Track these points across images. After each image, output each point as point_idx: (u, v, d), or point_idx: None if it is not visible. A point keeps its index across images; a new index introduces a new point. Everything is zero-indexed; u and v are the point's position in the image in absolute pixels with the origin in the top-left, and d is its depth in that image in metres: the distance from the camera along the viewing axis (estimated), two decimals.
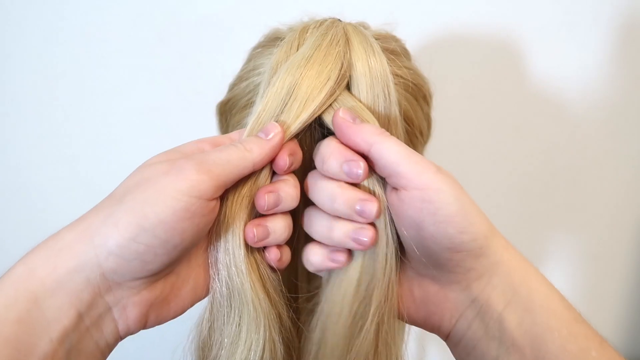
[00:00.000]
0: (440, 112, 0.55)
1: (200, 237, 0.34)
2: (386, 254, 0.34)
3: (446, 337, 0.38)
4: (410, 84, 0.47)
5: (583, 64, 0.73)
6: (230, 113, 0.50)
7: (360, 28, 0.44)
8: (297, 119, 0.36)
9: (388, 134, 0.35)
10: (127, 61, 0.70)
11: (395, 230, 0.36)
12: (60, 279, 0.30)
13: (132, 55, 0.70)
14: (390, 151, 0.33)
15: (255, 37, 0.49)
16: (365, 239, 0.34)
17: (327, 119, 0.37)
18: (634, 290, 0.84)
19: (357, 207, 0.34)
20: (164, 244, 0.31)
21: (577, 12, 0.70)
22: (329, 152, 0.35)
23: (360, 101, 0.38)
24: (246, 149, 0.34)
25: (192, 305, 0.37)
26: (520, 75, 0.72)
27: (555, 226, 0.81)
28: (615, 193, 0.80)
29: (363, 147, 0.34)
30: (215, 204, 0.33)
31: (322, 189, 0.36)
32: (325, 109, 0.37)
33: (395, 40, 0.50)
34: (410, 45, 0.51)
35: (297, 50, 0.40)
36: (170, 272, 0.35)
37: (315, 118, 0.37)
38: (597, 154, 0.78)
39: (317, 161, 0.36)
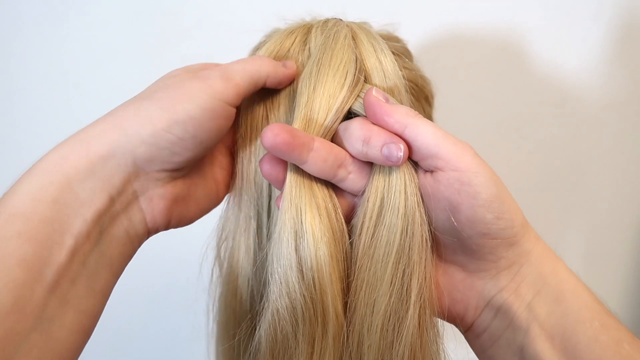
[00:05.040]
0: (441, 113, 0.56)
1: (218, 140, 0.38)
2: (422, 233, 0.34)
3: (468, 327, 0.38)
4: (413, 85, 0.48)
5: (583, 63, 0.76)
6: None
7: (365, 26, 0.44)
8: (327, 116, 0.36)
9: (421, 116, 0.35)
10: (127, 61, 0.70)
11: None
12: (93, 164, 0.32)
13: (132, 55, 0.70)
14: (427, 132, 0.33)
15: (256, 37, 0.49)
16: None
17: (356, 107, 0.37)
18: (634, 291, 0.86)
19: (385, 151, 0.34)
20: (192, 138, 0.35)
21: (577, 12, 0.72)
22: (367, 133, 0.34)
23: None
24: (262, 61, 0.39)
25: (208, 210, 0.42)
26: (520, 75, 0.74)
27: (555, 226, 0.83)
28: (616, 193, 0.82)
29: (396, 128, 0.34)
30: (234, 111, 0.38)
31: None
32: (355, 99, 0.37)
33: (398, 40, 0.51)
34: (411, 46, 0.52)
35: (296, 39, 0.42)
36: (189, 173, 0.39)
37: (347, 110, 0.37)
38: (598, 153, 0.80)
39: (354, 142, 0.35)
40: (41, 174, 0.31)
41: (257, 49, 0.49)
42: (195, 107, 0.34)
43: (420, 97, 0.51)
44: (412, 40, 0.53)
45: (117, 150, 0.33)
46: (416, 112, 0.35)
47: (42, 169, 0.32)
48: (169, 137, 0.34)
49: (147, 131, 0.33)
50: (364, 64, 0.39)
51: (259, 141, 0.41)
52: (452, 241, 0.35)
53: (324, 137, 0.36)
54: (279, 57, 0.42)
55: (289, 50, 0.42)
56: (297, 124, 0.36)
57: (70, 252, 0.30)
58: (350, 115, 0.38)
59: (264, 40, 0.48)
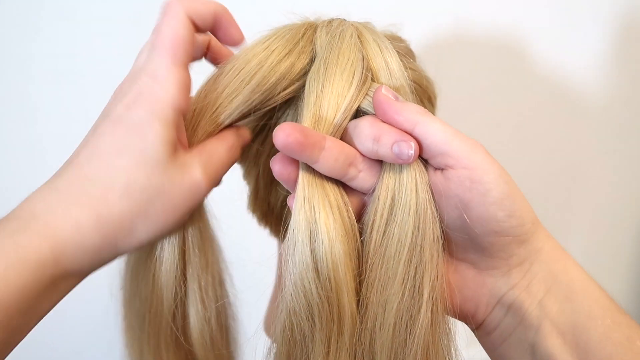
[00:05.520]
0: (442, 113, 0.56)
1: None
2: (433, 231, 0.34)
3: (479, 325, 0.38)
4: (416, 86, 0.48)
5: (584, 63, 0.76)
6: None
7: (369, 26, 0.45)
8: (336, 115, 0.36)
9: (431, 114, 0.35)
10: (127, 61, 0.69)
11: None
12: (55, 282, 0.31)
13: (133, 55, 0.69)
14: (437, 130, 0.34)
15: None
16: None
17: (364, 105, 0.37)
18: (634, 290, 0.86)
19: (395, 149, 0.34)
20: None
21: (578, 12, 0.73)
22: (377, 132, 0.34)
23: None
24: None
25: None
26: (521, 75, 0.74)
27: (555, 226, 0.83)
28: (616, 193, 0.83)
29: (406, 126, 0.34)
30: None
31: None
32: (363, 97, 0.37)
33: (401, 41, 0.51)
34: (414, 46, 0.52)
35: (302, 38, 0.41)
36: None
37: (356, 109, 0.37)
38: (598, 153, 0.81)
39: (364, 140, 0.35)
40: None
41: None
42: (173, 224, 0.35)
43: (424, 97, 0.51)
44: (414, 40, 0.53)
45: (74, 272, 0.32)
46: (426, 110, 0.35)
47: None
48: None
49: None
50: (370, 64, 0.39)
51: None
52: (463, 239, 0.36)
53: (334, 136, 0.36)
54: (280, 58, 0.42)
55: (294, 49, 0.42)
56: (307, 123, 0.36)
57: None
58: (358, 113, 0.38)
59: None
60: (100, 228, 0.31)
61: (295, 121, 0.40)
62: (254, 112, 0.40)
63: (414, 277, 0.34)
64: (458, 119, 0.75)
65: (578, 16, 0.73)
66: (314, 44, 0.42)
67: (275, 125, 0.37)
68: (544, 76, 0.75)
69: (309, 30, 0.43)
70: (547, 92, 0.76)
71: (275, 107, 0.42)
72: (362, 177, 0.36)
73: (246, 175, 0.53)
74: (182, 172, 0.34)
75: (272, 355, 0.36)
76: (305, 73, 0.40)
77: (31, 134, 0.71)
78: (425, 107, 0.51)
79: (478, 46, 0.72)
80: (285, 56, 0.39)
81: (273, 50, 0.39)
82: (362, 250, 0.36)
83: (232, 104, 0.38)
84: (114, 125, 0.33)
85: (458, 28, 0.71)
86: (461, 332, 0.38)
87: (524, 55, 0.74)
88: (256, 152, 0.50)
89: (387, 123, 0.35)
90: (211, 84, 0.39)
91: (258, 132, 0.48)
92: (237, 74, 0.38)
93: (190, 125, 0.38)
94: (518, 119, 0.76)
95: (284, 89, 0.40)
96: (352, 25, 0.43)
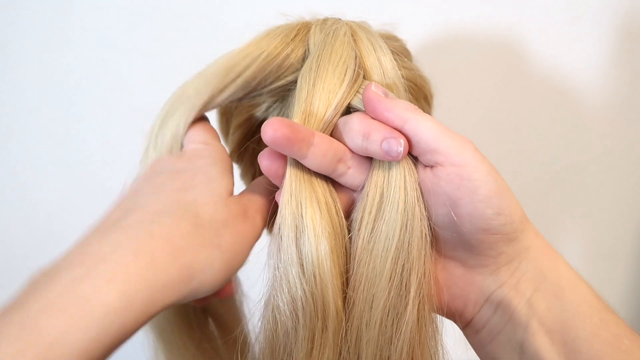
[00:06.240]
0: (440, 113, 0.56)
1: None
2: (421, 229, 0.34)
3: (467, 323, 0.38)
4: (412, 84, 0.48)
5: (584, 64, 0.76)
6: (232, 114, 0.50)
7: (364, 25, 0.45)
8: (326, 111, 0.36)
9: (421, 111, 0.35)
10: (127, 61, 0.70)
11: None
12: None
13: (133, 55, 0.70)
14: (427, 127, 0.33)
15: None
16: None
17: (355, 102, 0.37)
18: (634, 291, 0.85)
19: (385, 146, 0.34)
20: None
21: (577, 12, 0.73)
22: (367, 128, 0.34)
23: None
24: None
25: None
26: (520, 75, 0.74)
27: (555, 227, 0.83)
28: (617, 193, 0.82)
29: (396, 123, 0.34)
30: None
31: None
32: (354, 95, 0.38)
33: (397, 40, 0.51)
34: (410, 46, 0.52)
35: (295, 37, 0.42)
36: None
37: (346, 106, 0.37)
38: (598, 154, 0.80)
39: (353, 136, 0.35)
40: None
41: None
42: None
43: (419, 96, 0.51)
44: (411, 39, 0.53)
45: None
46: (416, 107, 0.35)
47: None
48: None
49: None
50: (363, 62, 0.40)
51: None
52: (451, 236, 0.35)
53: (323, 132, 0.36)
54: (276, 56, 0.42)
55: (287, 48, 0.42)
56: (297, 118, 0.36)
57: None
58: (349, 110, 0.38)
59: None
60: (176, 258, 0.29)
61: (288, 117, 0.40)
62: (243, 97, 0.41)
63: (401, 274, 0.34)
64: (455, 119, 0.76)
65: (578, 16, 0.73)
66: (307, 41, 0.42)
67: None
68: (543, 76, 0.75)
69: (302, 29, 0.43)
70: (546, 92, 0.75)
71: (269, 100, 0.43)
72: (351, 173, 0.36)
73: (243, 175, 0.53)
74: (241, 209, 0.35)
75: (256, 350, 0.36)
76: (296, 70, 0.41)
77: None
78: (421, 106, 0.51)
79: (476, 45, 0.72)
80: (276, 55, 0.40)
81: (265, 48, 0.40)
82: (351, 247, 0.36)
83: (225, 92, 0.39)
84: (176, 173, 0.34)
85: (455, 27, 0.71)
86: (449, 330, 0.38)
87: (523, 55, 0.73)
88: (252, 152, 0.50)
89: (377, 120, 0.35)
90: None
91: (255, 132, 0.48)
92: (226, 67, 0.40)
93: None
94: (516, 118, 0.76)
95: (273, 83, 0.40)
96: (347, 24, 0.43)
